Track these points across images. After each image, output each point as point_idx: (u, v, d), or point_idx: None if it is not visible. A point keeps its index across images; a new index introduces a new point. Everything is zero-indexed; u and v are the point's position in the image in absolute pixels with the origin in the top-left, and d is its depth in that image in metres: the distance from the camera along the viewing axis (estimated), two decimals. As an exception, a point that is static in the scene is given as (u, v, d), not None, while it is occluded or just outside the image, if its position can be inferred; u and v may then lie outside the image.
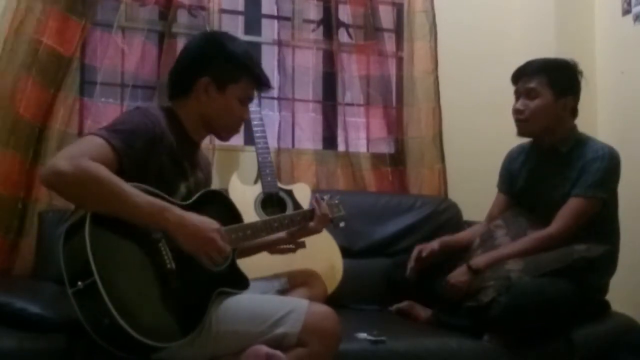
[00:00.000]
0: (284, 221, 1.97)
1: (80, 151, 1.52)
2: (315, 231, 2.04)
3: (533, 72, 2.25)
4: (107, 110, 2.66)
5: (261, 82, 1.84)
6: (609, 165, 2.19)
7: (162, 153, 1.67)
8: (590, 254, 2.10)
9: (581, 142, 2.27)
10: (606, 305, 2.26)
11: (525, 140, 2.41)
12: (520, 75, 2.28)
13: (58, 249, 1.50)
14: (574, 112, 2.29)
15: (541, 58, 2.30)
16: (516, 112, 2.28)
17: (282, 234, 2.02)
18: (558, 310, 2.03)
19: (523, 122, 2.27)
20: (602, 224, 2.21)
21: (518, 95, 2.29)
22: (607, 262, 2.21)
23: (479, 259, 2.17)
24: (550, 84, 2.22)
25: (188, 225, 1.58)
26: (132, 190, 1.52)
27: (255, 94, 1.91)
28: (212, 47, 1.80)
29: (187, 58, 1.82)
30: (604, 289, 2.25)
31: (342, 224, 2.16)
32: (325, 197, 2.12)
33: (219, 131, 1.86)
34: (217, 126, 1.83)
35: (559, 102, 2.23)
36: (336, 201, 2.16)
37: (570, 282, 2.05)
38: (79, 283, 1.44)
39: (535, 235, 2.18)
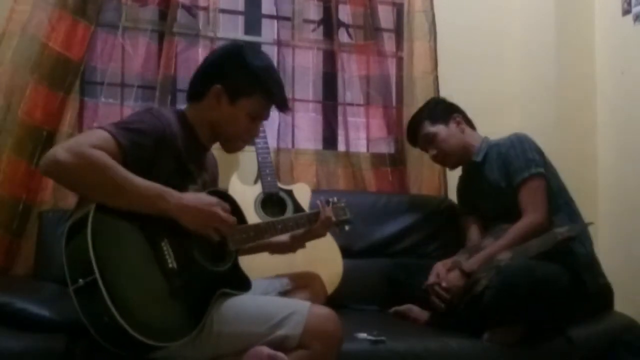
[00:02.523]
0: (288, 223, 1.97)
1: (83, 141, 1.53)
2: (319, 235, 2.04)
3: (417, 127, 2.54)
4: (109, 111, 2.65)
5: (276, 102, 1.83)
6: (523, 146, 2.34)
7: (169, 156, 1.67)
8: (573, 232, 2.15)
9: (492, 146, 2.46)
10: (605, 284, 2.27)
11: None
12: (413, 138, 2.59)
13: (60, 247, 1.51)
14: (470, 125, 2.56)
15: (414, 115, 2.61)
16: (434, 158, 2.55)
17: (285, 239, 2.02)
18: (550, 287, 2.02)
19: (445, 160, 2.55)
20: (555, 200, 2.30)
21: (424, 148, 2.56)
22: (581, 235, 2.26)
23: (471, 262, 2.18)
24: (433, 121, 2.50)
25: (189, 204, 1.59)
26: (132, 176, 1.53)
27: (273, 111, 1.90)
28: (231, 57, 1.80)
29: (207, 64, 1.83)
30: (592, 261, 2.26)
31: (347, 228, 2.15)
32: (331, 200, 2.11)
33: (223, 141, 1.86)
34: (222, 135, 1.83)
35: (451, 126, 2.50)
36: (342, 204, 2.14)
37: (557, 261, 2.09)
38: (80, 280, 1.44)
39: (518, 226, 2.23)
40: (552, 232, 2.16)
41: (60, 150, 1.49)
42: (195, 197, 1.64)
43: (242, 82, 1.76)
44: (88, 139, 1.54)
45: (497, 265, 2.09)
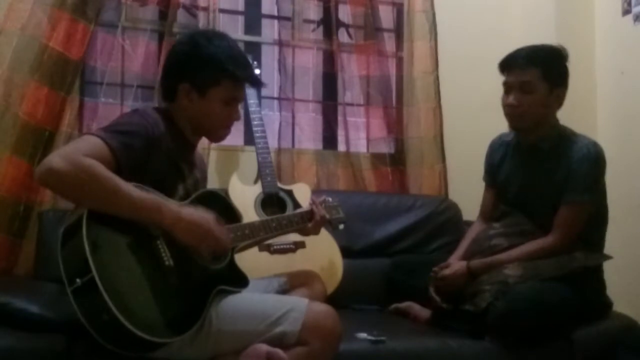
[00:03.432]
0: (282, 221, 1.97)
1: (76, 149, 1.53)
2: (312, 234, 2.05)
3: (527, 63, 2.13)
4: (109, 111, 2.65)
5: (246, 81, 1.82)
6: (597, 164, 2.12)
7: (160, 155, 1.67)
8: (590, 262, 2.10)
9: (564, 138, 2.17)
10: (607, 305, 2.24)
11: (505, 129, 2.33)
12: (512, 66, 2.16)
13: (57, 250, 1.50)
14: (560, 103, 2.20)
15: (530, 46, 2.18)
16: (510, 107, 2.16)
17: None
18: (557, 314, 2.01)
19: (517, 117, 2.16)
20: (594, 225, 2.17)
21: (509, 87, 2.17)
22: (601, 267, 2.20)
23: (479, 263, 2.15)
24: (545, 76, 2.11)
25: (184, 219, 1.58)
26: (127, 187, 1.53)
27: (250, 91, 1.87)
28: (189, 52, 1.77)
29: (169, 63, 1.83)
30: (603, 290, 2.23)
31: (341, 227, 2.16)
32: (325, 199, 2.12)
33: (208, 134, 1.86)
34: (204, 129, 1.83)
35: (553, 95, 2.14)
36: (335, 203, 2.15)
37: (568, 285, 2.04)
38: (78, 280, 1.44)
39: (537, 245, 2.12)
40: (570, 257, 2.08)
41: (55, 159, 1.48)
42: (192, 212, 1.62)
43: (205, 74, 1.74)
44: (81, 147, 1.54)
45: (504, 281, 2.05)
